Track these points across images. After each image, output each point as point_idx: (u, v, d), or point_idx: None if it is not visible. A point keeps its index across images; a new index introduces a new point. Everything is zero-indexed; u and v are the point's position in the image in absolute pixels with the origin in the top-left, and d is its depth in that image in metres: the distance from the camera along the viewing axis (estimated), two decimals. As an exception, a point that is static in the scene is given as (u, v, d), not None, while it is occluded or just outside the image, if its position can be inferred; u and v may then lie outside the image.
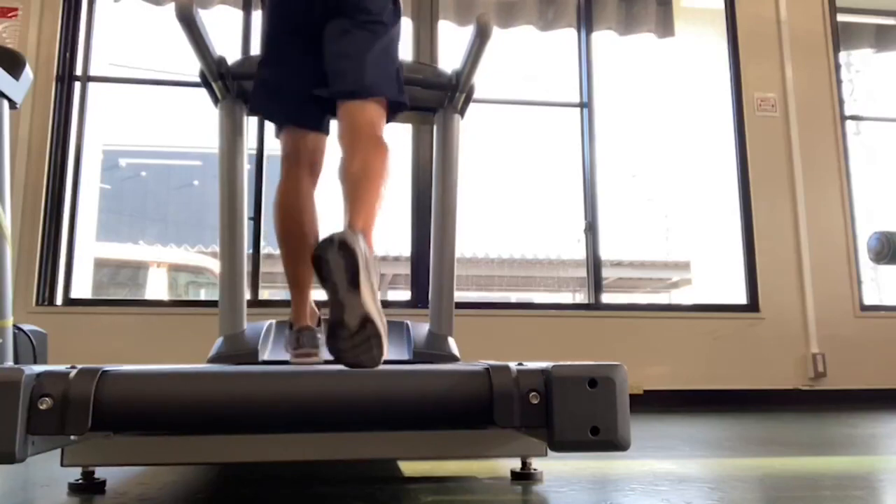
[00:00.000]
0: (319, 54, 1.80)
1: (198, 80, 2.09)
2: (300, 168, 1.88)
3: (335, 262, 1.25)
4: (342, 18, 1.78)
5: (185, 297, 8.78)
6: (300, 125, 1.89)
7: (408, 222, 4.18)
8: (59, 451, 1.34)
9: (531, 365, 1.22)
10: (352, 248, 1.25)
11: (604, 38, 4.70)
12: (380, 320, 1.29)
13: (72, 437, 1.20)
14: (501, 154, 8.26)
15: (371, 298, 1.28)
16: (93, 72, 4.10)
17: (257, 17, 4.22)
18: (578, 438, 1.12)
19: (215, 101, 2.15)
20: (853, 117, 4.83)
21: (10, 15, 3.92)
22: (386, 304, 4.52)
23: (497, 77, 4.65)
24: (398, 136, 4.17)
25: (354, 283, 1.25)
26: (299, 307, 1.90)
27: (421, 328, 2.20)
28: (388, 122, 1.80)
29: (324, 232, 1.73)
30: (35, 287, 3.74)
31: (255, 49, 4.17)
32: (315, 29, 1.81)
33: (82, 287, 4.06)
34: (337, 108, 1.76)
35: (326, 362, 1.76)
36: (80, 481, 1.46)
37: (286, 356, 1.95)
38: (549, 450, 1.23)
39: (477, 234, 7.92)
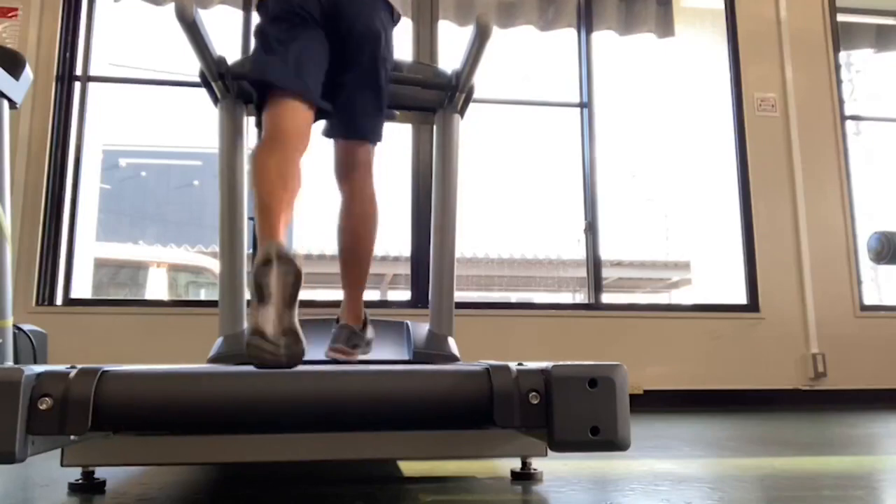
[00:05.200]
0: (325, 44, 1.85)
1: (198, 80, 2.09)
2: (288, 139, 1.75)
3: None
4: (353, 41, 1.86)
5: (185, 297, 8.78)
6: (304, 96, 1.79)
7: (408, 222, 4.18)
8: (59, 451, 1.34)
9: (531, 365, 1.22)
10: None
11: (604, 38, 4.70)
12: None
13: (72, 437, 1.20)
14: (501, 154, 8.26)
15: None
16: (93, 72, 4.10)
17: (257, 17, 4.21)
18: (578, 438, 1.12)
19: (215, 101, 2.15)
20: (853, 117, 4.83)
21: (10, 15, 3.92)
22: (386, 304, 4.53)
23: (497, 77, 4.65)
24: (398, 137, 4.17)
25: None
26: (272, 230, 1.65)
27: (421, 328, 2.20)
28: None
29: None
30: (35, 287, 3.74)
31: (255, 49, 4.18)
32: (321, 28, 1.85)
33: (82, 287, 4.06)
34: (335, 140, 1.97)
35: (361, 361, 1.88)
36: (80, 481, 1.46)
37: None
38: (549, 450, 1.23)
39: (477, 234, 7.92)
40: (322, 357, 1.87)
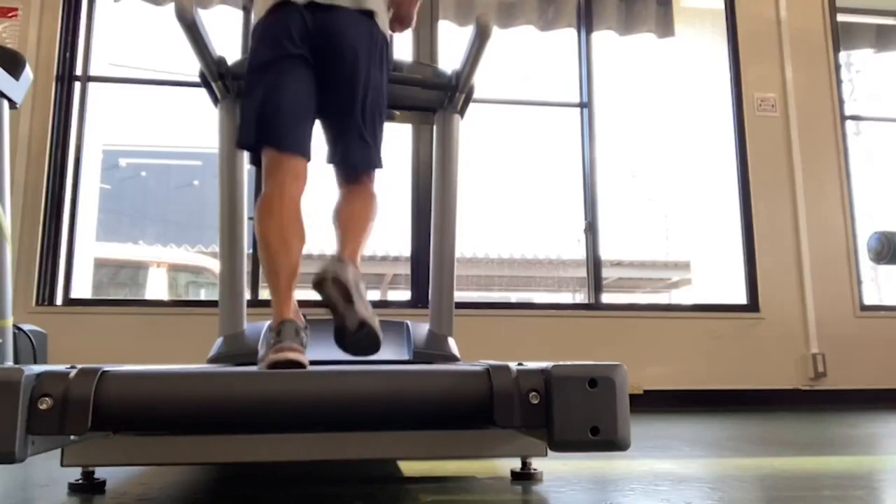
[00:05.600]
0: (312, 83, 1.81)
1: (198, 80, 2.09)
2: (286, 180, 1.81)
3: (332, 291, 1.59)
4: (342, 71, 1.81)
5: (185, 297, 8.78)
6: (293, 153, 1.82)
7: (408, 222, 4.18)
8: (59, 451, 1.34)
9: (531, 365, 1.22)
10: (343, 281, 1.60)
11: (604, 38, 4.70)
12: (373, 321, 1.62)
13: (72, 437, 1.20)
14: (501, 154, 8.25)
15: (363, 307, 1.62)
16: (93, 72, 4.10)
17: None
18: (578, 438, 1.12)
19: (215, 101, 2.16)
20: (853, 117, 4.83)
21: (10, 15, 3.92)
22: (386, 304, 4.53)
23: (497, 77, 4.65)
24: (398, 137, 4.17)
25: (349, 301, 1.60)
26: (281, 305, 1.73)
27: (421, 328, 2.20)
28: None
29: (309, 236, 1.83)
30: (35, 287, 3.74)
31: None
32: (309, 55, 1.80)
33: (82, 287, 4.06)
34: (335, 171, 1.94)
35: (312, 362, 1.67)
36: (80, 481, 1.46)
37: None
38: (549, 450, 1.23)
39: (477, 234, 7.91)
40: (322, 357, 1.86)
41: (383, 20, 1.89)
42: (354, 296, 1.59)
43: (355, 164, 1.89)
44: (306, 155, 1.84)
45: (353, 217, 1.86)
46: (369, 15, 1.84)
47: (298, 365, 1.47)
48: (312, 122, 1.87)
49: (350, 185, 1.92)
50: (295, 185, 1.81)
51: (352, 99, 1.83)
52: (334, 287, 1.59)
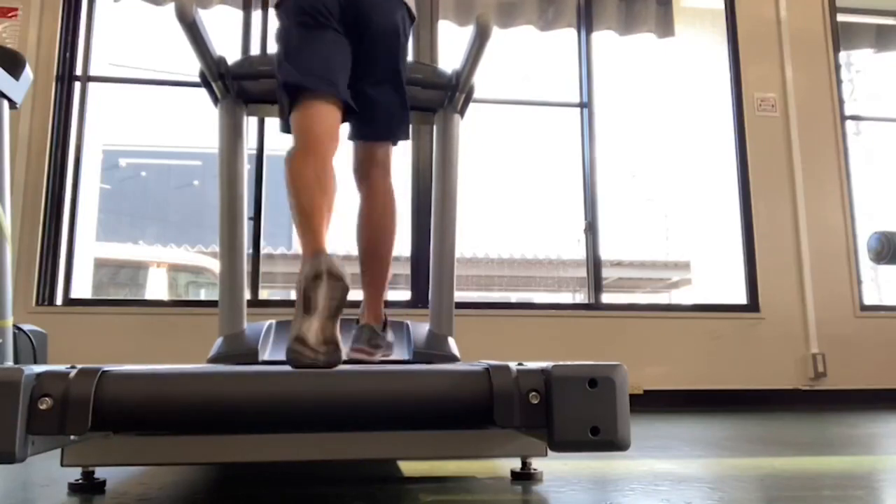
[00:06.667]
0: (349, 49, 1.83)
1: (198, 80, 2.09)
2: (321, 143, 1.74)
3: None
4: (373, 40, 1.84)
5: (185, 297, 8.77)
6: (336, 96, 1.77)
7: (408, 222, 4.18)
8: (59, 451, 1.34)
9: (531, 365, 1.22)
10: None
11: (604, 38, 4.70)
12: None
13: (72, 437, 1.20)
14: (501, 154, 8.25)
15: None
16: (93, 72, 4.10)
17: (257, 17, 4.22)
18: (578, 438, 1.12)
19: (215, 101, 2.16)
20: (853, 117, 4.83)
21: (10, 15, 3.92)
22: (386, 304, 4.53)
23: (497, 77, 4.65)
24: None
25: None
26: (314, 239, 1.63)
27: (421, 328, 2.20)
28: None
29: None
30: (35, 287, 3.74)
31: (256, 49, 4.19)
32: (343, 31, 1.82)
33: (82, 287, 4.06)
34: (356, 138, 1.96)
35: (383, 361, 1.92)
36: (80, 481, 1.46)
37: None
38: (549, 450, 1.23)
39: (477, 234, 7.91)
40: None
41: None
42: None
43: (388, 127, 1.93)
44: (343, 96, 1.79)
45: (380, 240, 1.95)
46: None
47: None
48: (348, 75, 1.83)
49: (369, 168, 1.95)
50: (328, 143, 1.75)
51: (386, 72, 1.88)
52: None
